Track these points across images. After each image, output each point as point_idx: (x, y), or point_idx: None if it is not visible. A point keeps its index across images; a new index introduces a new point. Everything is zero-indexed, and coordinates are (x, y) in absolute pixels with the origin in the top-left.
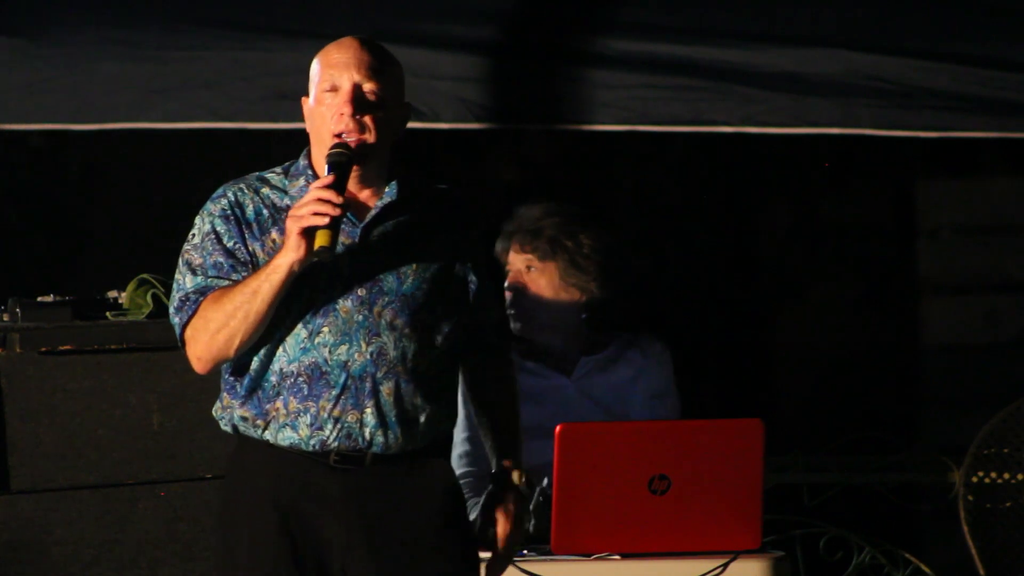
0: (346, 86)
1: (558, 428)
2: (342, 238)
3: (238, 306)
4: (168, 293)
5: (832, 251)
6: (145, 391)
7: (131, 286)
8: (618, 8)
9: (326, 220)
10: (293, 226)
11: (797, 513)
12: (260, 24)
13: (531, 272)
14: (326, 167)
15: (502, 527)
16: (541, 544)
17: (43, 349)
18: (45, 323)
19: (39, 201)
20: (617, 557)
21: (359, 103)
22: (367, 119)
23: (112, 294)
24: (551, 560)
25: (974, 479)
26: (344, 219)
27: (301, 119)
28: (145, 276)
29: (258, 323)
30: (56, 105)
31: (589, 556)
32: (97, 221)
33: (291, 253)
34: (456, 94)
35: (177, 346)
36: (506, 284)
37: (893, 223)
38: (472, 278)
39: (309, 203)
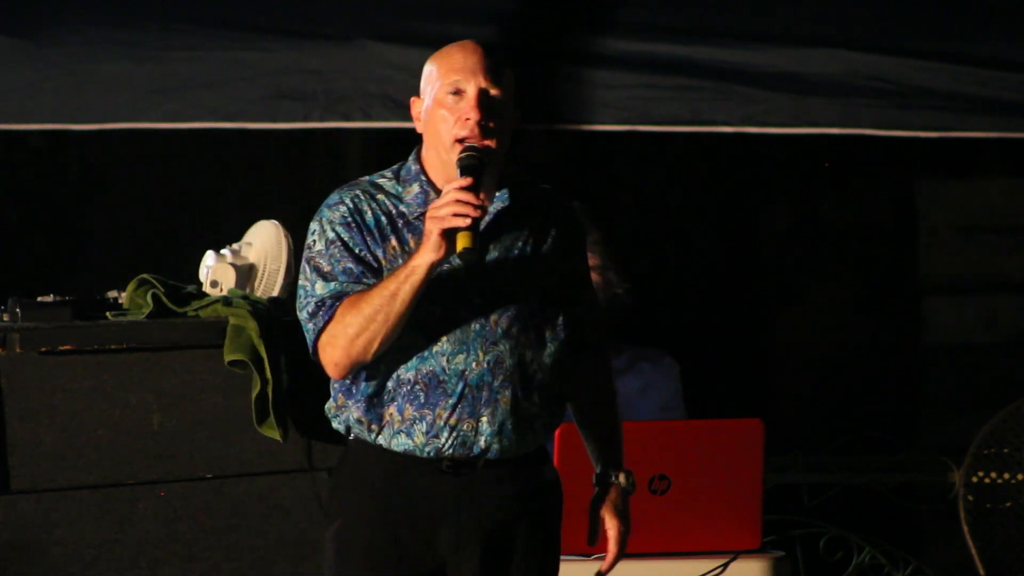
0: (472, 91)
1: (558, 429)
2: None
3: (378, 309)
4: (168, 293)
5: (832, 251)
6: (145, 391)
7: (131, 286)
8: (618, 8)
9: (468, 221)
10: (434, 227)
11: (797, 513)
12: (260, 24)
13: None
14: (459, 171)
15: (613, 528)
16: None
17: (43, 349)
18: (45, 323)
19: (39, 201)
20: None
21: (486, 109)
22: (491, 124)
23: (112, 294)
24: None
25: (974, 479)
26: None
27: (301, 119)
28: (145, 276)
29: (397, 325)
30: (56, 105)
31: (589, 556)
32: (97, 221)
33: (431, 253)
34: None
35: (177, 346)
36: None
37: (893, 223)
38: (577, 279)
39: (449, 203)
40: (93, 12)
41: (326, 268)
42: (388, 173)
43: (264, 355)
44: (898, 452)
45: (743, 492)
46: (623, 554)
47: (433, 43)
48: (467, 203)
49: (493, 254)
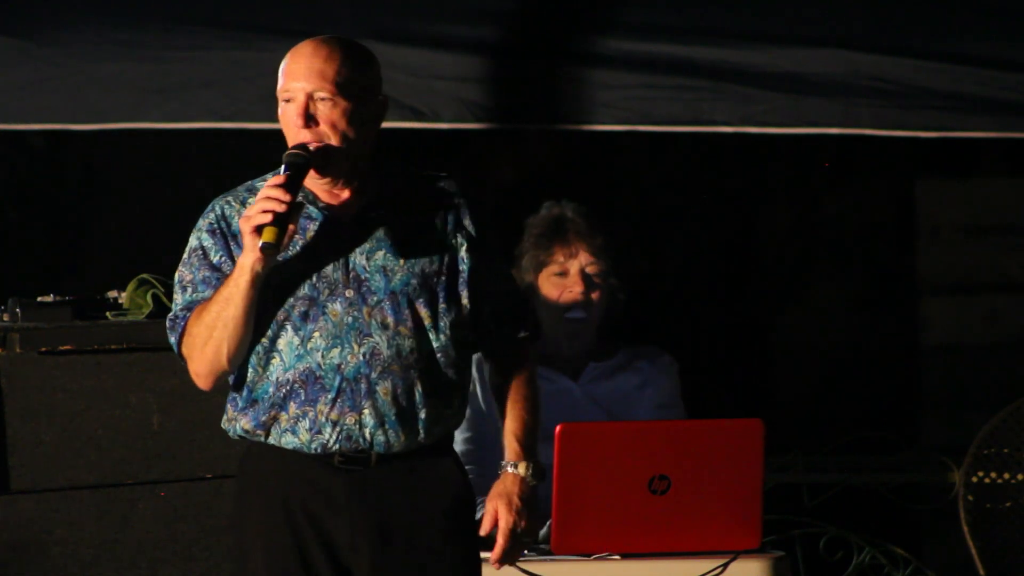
0: (299, 98)
1: (558, 428)
2: (327, 239)
3: (216, 316)
4: (168, 293)
5: (832, 251)
6: (145, 391)
7: (131, 286)
8: (618, 8)
9: (269, 217)
10: (245, 226)
11: (797, 513)
12: (260, 24)
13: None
14: (282, 167)
15: (503, 518)
16: (541, 544)
17: (43, 349)
18: (45, 323)
19: (39, 201)
20: (617, 557)
21: (309, 116)
22: (323, 128)
23: (112, 294)
24: (551, 560)
25: (974, 479)
26: (328, 218)
27: None
28: (145, 276)
29: (239, 329)
30: (56, 105)
31: (589, 556)
32: (97, 221)
33: (249, 254)
34: (456, 94)
35: None
36: (539, 286)
37: (893, 223)
38: (467, 266)
39: (258, 202)
40: (93, 12)
41: (187, 278)
42: (269, 176)
43: None
44: (898, 452)
45: (743, 492)
46: (514, 548)
47: (433, 43)
48: (272, 198)
49: (364, 245)
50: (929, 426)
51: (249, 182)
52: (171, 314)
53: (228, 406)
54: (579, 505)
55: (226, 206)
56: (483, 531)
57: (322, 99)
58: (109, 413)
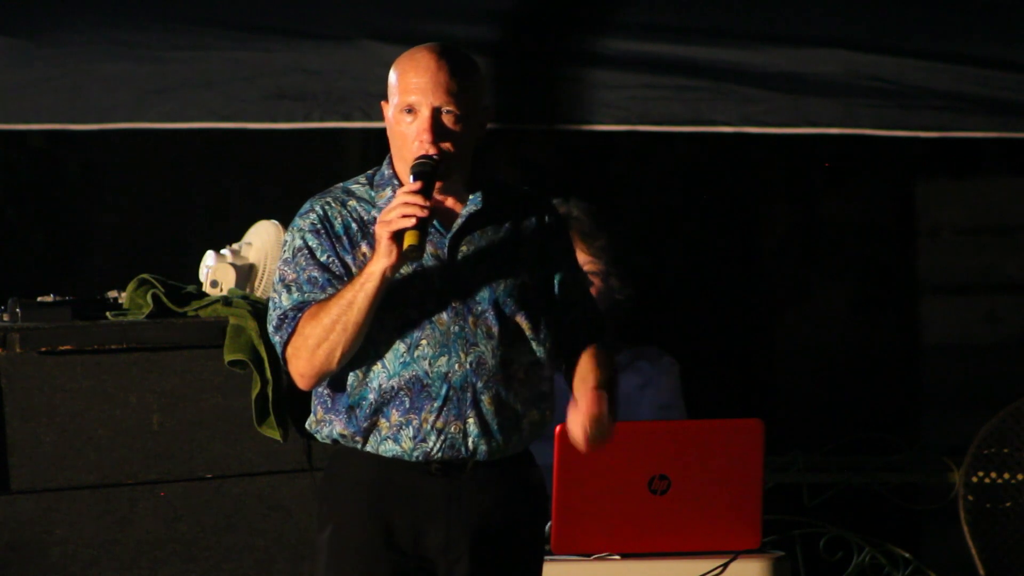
0: (425, 113)
1: (558, 428)
2: (431, 249)
3: (335, 319)
4: (168, 293)
5: (832, 251)
6: (145, 391)
7: (131, 286)
8: (618, 8)
9: (413, 221)
10: (383, 231)
11: (797, 513)
12: (260, 24)
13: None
14: (411, 176)
15: (588, 408)
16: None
17: (43, 349)
18: (45, 323)
19: (39, 201)
20: (617, 557)
21: (439, 130)
22: (447, 143)
23: (112, 294)
24: (551, 560)
25: (974, 479)
26: (432, 229)
27: (301, 119)
28: (145, 276)
29: (356, 334)
30: (56, 105)
31: (589, 556)
32: (97, 221)
33: (383, 259)
34: None
35: (177, 346)
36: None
37: (893, 223)
38: (561, 279)
39: (396, 207)
40: (93, 12)
41: (291, 277)
42: (362, 179)
43: (264, 355)
44: (898, 452)
45: (743, 492)
46: (600, 435)
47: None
48: (413, 204)
49: (468, 255)
50: (929, 426)
51: (342, 184)
52: (279, 312)
53: (318, 407)
54: (579, 505)
55: (326, 207)
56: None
57: (447, 112)
58: (109, 413)
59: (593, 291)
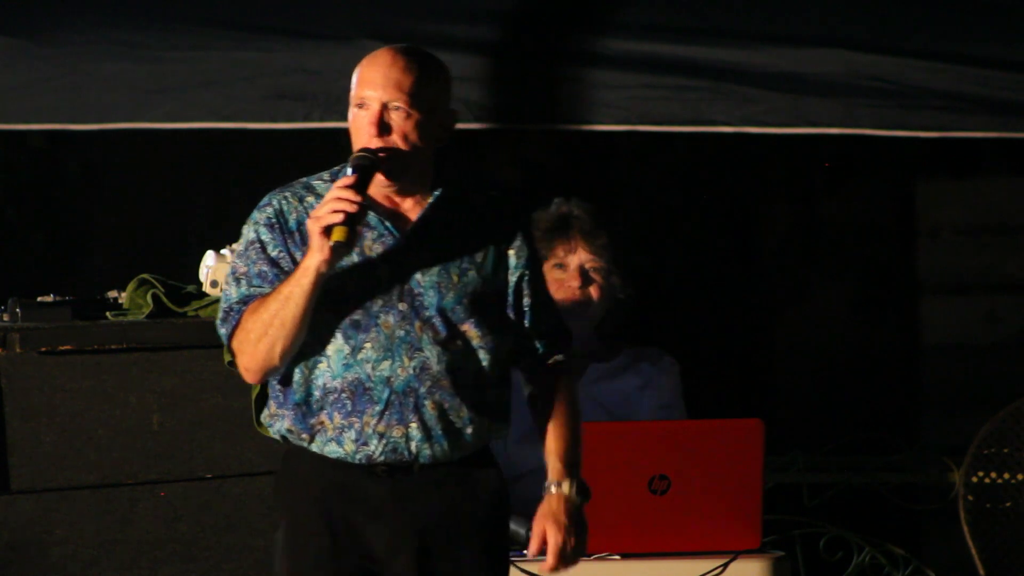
0: (374, 107)
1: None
2: (380, 249)
3: (274, 313)
4: (168, 293)
5: (832, 251)
6: (145, 391)
7: (131, 286)
8: (618, 8)
9: (341, 217)
10: (314, 226)
11: (797, 513)
12: (260, 24)
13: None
14: (348, 169)
15: (551, 538)
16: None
17: (43, 349)
18: (45, 323)
19: (39, 201)
20: (617, 557)
21: (383, 125)
22: (394, 137)
23: (112, 294)
24: None
25: (974, 479)
26: (385, 231)
27: (301, 119)
28: (145, 276)
29: (295, 329)
30: (56, 105)
31: (589, 556)
32: (97, 221)
33: (316, 254)
34: (456, 94)
35: (177, 346)
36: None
37: (893, 223)
38: (519, 287)
39: (328, 202)
40: (93, 12)
41: (241, 271)
42: (326, 175)
43: None
44: (898, 452)
45: (743, 492)
46: (566, 564)
47: (433, 43)
48: (343, 199)
49: (418, 258)
50: (929, 426)
51: (304, 179)
52: (225, 305)
53: (271, 401)
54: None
55: (283, 201)
56: (531, 553)
57: (396, 109)
58: (109, 413)
59: (595, 289)
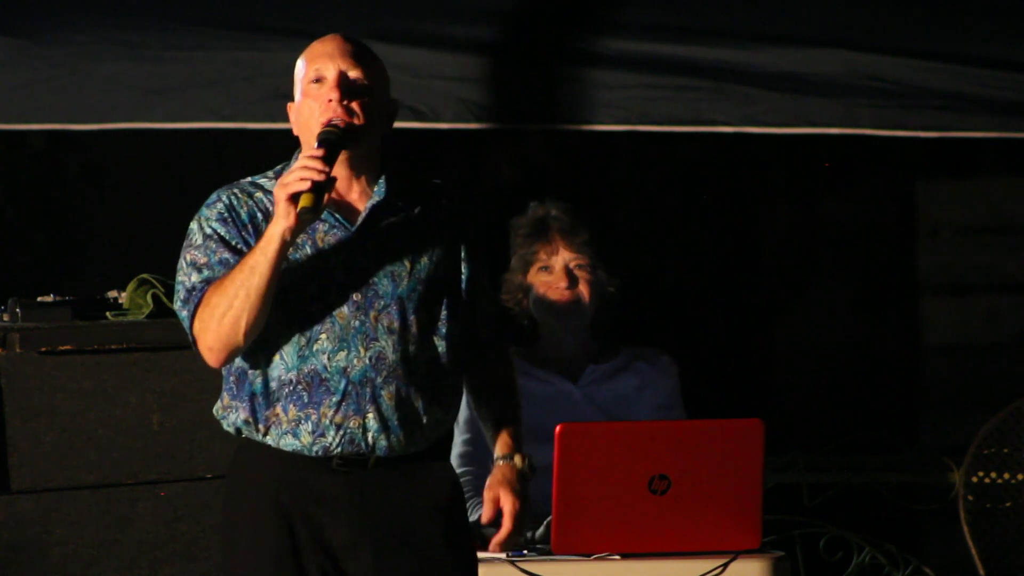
0: (332, 74)
1: (558, 428)
2: (333, 240)
3: (239, 285)
4: (168, 293)
5: (832, 251)
6: (145, 391)
7: (131, 286)
8: (618, 8)
9: (308, 184)
10: (281, 194)
11: (797, 513)
12: (260, 24)
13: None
14: (315, 143)
15: (508, 503)
16: (540, 544)
17: (43, 349)
18: (45, 323)
19: (39, 201)
20: (617, 557)
21: (346, 89)
22: (355, 105)
23: (112, 294)
24: (551, 560)
25: (974, 479)
26: (335, 222)
27: None
28: (145, 276)
29: (260, 301)
30: (56, 105)
31: (589, 556)
32: (97, 221)
33: (281, 221)
34: (456, 94)
35: (177, 346)
36: (531, 285)
37: (893, 223)
38: (465, 273)
39: (295, 170)
40: (93, 12)
41: (202, 260)
42: (270, 173)
43: None
44: (898, 452)
45: (743, 492)
46: (518, 533)
47: (433, 43)
48: (311, 168)
49: (370, 248)
50: (929, 426)
51: (250, 178)
52: (186, 286)
53: (225, 394)
54: (579, 505)
55: (233, 197)
56: (484, 519)
57: (356, 79)
58: (109, 413)
59: (584, 286)
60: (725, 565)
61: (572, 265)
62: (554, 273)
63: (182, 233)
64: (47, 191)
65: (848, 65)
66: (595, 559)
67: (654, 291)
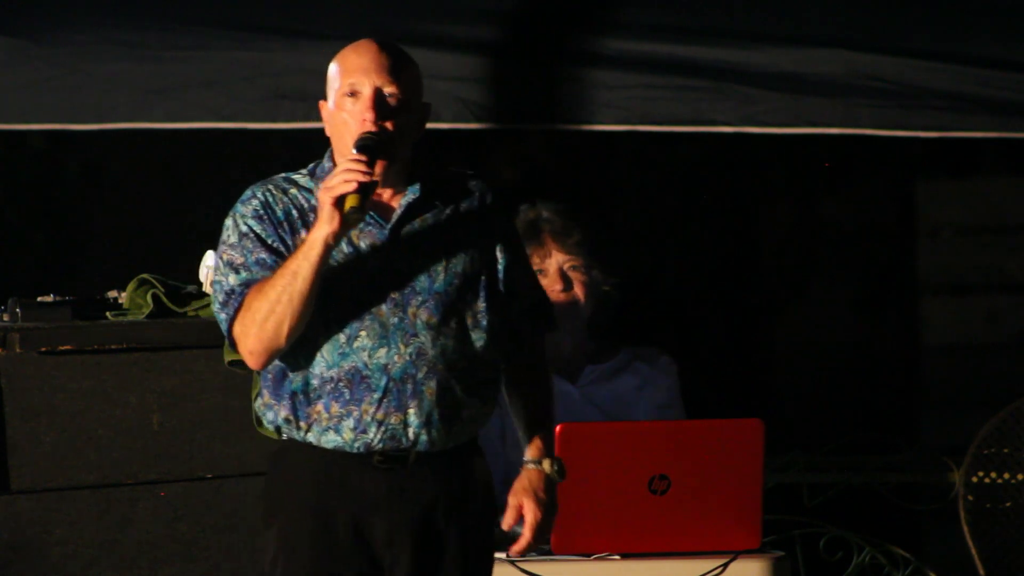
0: (367, 92)
1: (558, 428)
2: (370, 241)
3: (281, 290)
4: (168, 293)
5: (832, 251)
6: (145, 391)
7: (131, 286)
8: (618, 8)
9: (354, 186)
10: (325, 197)
11: (797, 513)
12: (260, 24)
13: (573, 272)
14: (353, 150)
15: (530, 513)
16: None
17: (43, 349)
18: (45, 323)
19: (39, 201)
20: (617, 557)
21: (381, 108)
22: (389, 124)
23: (112, 294)
24: (551, 560)
25: (974, 479)
26: (371, 220)
27: (301, 119)
28: (145, 276)
29: (303, 305)
30: (56, 105)
31: (589, 556)
32: (97, 221)
33: (325, 226)
34: (456, 94)
35: (177, 346)
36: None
37: (893, 223)
38: (502, 264)
39: (339, 173)
40: (93, 12)
41: (239, 260)
42: (304, 171)
43: None
44: (898, 452)
45: (743, 492)
46: (538, 542)
47: (433, 43)
48: (355, 170)
49: (407, 245)
50: (929, 426)
51: (283, 174)
52: (225, 289)
53: (264, 391)
54: (579, 505)
55: (267, 194)
56: (506, 525)
57: (389, 94)
58: (109, 413)
59: (579, 287)
60: (725, 565)
61: (566, 267)
62: (548, 276)
63: (182, 233)
64: (47, 191)
65: (848, 65)
66: (595, 559)
67: (654, 291)
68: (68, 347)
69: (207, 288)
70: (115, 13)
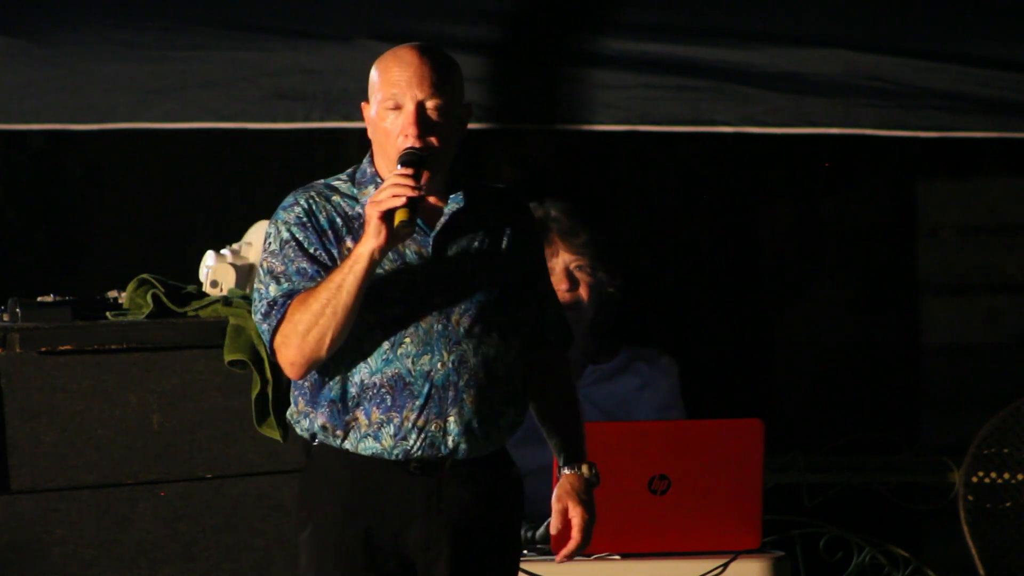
0: (409, 106)
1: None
2: (415, 248)
3: (325, 303)
4: (168, 293)
5: (832, 251)
6: (145, 391)
7: (131, 286)
8: (618, 8)
9: (403, 200)
10: (373, 211)
11: (797, 513)
12: (260, 24)
13: (579, 273)
14: (399, 166)
15: (577, 516)
16: (540, 544)
17: (43, 349)
18: (45, 323)
19: (39, 201)
20: (617, 557)
21: (424, 124)
22: (433, 139)
23: (112, 294)
24: (551, 560)
25: (974, 479)
26: (416, 228)
27: (301, 119)
28: (145, 276)
29: (346, 318)
30: (56, 105)
31: (589, 556)
32: (97, 221)
33: (372, 239)
34: None
35: (177, 346)
36: None
37: (893, 223)
38: (536, 277)
39: (387, 188)
40: (93, 12)
41: (279, 269)
42: (343, 176)
43: (264, 355)
44: (898, 452)
45: (743, 492)
46: (585, 543)
47: (433, 43)
48: (404, 185)
49: (451, 254)
50: (929, 426)
51: (323, 180)
52: (267, 299)
53: (299, 398)
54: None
55: (311, 201)
56: (553, 530)
57: (433, 108)
58: (109, 413)
59: (584, 287)
60: (725, 565)
61: (572, 266)
62: (554, 275)
63: (182, 233)
64: (47, 191)
65: (848, 65)
66: (595, 559)
67: (654, 291)
68: (68, 347)
69: (207, 288)
70: (115, 13)
